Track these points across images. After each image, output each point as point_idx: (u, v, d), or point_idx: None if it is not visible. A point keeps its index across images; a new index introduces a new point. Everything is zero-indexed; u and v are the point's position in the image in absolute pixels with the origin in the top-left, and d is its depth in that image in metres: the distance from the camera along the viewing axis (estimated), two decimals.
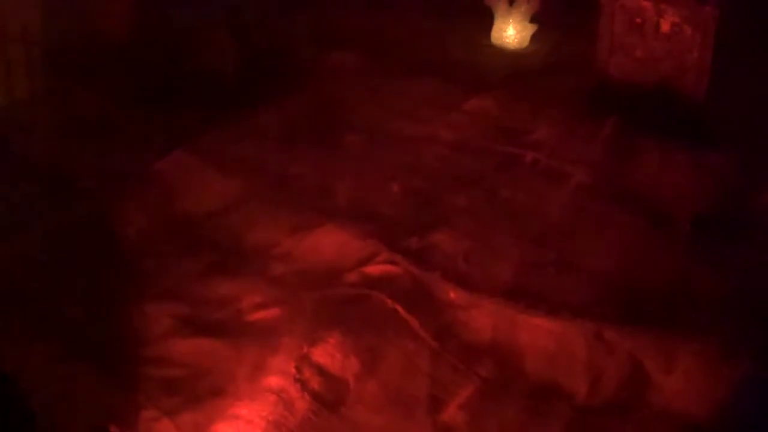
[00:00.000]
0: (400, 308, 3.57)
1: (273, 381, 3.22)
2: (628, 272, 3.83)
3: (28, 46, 5.17)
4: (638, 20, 5.04)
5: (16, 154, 4.61)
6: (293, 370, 3.25)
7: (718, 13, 4.83)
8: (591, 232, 4.06)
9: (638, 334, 3.42)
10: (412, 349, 3.42)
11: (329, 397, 3.20)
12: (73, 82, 5.21)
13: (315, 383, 3.22)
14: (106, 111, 4.98)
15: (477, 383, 3.31)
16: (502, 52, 6.09)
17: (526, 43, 6.16)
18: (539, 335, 3.48)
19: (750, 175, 4.53)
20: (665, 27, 4.98)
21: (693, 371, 3.31)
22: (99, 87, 5.16)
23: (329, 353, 3.33)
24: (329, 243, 4.00)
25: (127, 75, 5.24)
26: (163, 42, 5.43)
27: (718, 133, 4.91)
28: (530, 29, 6.14)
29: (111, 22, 5.54)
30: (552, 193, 4.33)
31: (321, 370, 3.28)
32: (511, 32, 6.12)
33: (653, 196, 4.35)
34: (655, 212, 4.21)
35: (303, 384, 3.20)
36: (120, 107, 4.99)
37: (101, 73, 5.26)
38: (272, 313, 3.59)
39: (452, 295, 3.68)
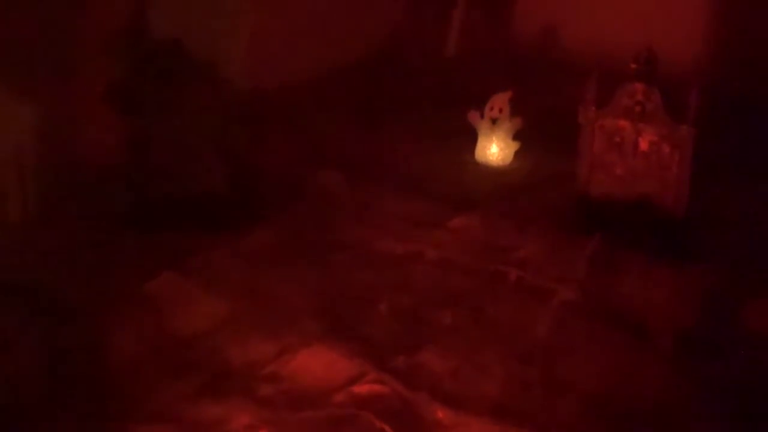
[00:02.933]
0: (388, 428, 3.58)
1: None
2: (614, 390, 3.85)
3: (21, 168, 5.26)
4: (617, 139, 5.18)
5: (3, 276, 4.65)
6: None
7: (695, 132, 4.98)
8: (577, 350, 4.09)
9: None
10: None
11: None
12: (63, 204, 5.28)
13: None
14: (96, 233, 5.03)
15: None
16: (487, 170, 6.23)
17: (509, 160, 6.30)
18: None
19: (731, 291, 4.59)
20: (644, 146, 5.12)
21: None
22: (88, 209, 5.23)
23: None
24: (317, 363, 4.03)
25: (116, 197, 5.31)
26: (153, 163, 5.52)
27: (700, 248, 5.00)
28: (513, 147, 6.29)
29: (100, 144, 5.64)
30: (537, 311, 4.38)
31: None
32: (494, 150, 6.28)
33: (637, 313, 4.40)
34: (639, 329, 4.26)
35: None
36: (109, 229, 5.05)
37: (90, 195, 5.33)
38: None
39: (440, 414, 3.69)
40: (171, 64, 5.51)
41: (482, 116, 6.31)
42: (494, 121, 6.27)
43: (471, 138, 6.35)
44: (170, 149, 5.56)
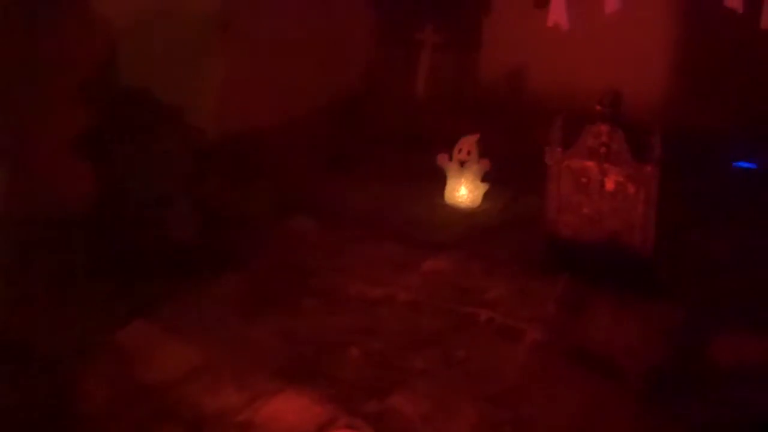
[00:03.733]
0: None
1: None
2: (585, 429, 3.88)
3: None
4: (584, 180, 5.25)
5: None
6: None
7: (659, 171, 5.06)
8: (546, 390, 4.11)
9: None
10: None
11: None
12: (34, 253, 5.27)
13: None
14: (68, 282, 5.03)
15: None
16: (457, 212, 6.29)
17: (478, 201, 6.37)
18: None
19: (698, 327, 4.65)
20: (609, 186, 5.19)
21: None
22: (60, 258, 5.22)
23: None
24: (289, 409, 4.02)
25: (89, 246, 5.31)
26: (125, 212, 5.53)
27: (667, 285, 5.07)
28: (482, 188, 6.37)
29: (71, 194, 5.64)
30: (507, 352, 4.40)
31: None
32: (463, 192, 6.34)
33: (606, 352, 4.43)
34: (608, 368, 4.29)
35: None
36: (81, 278, 5.05)
37: (62, 244, 5.33)
38: None
39: None
40: (141, 113, 5.55)
41: (451, 159, 6.39)
42: (463, 164, 6.35)
43: (440, 180, 6.42)
44: (141, 197, 5.59)
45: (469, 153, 6.35)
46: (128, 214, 5.53)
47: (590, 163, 5.21)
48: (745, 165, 6.68)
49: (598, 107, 5.12)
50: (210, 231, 5.58)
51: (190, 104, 5.96)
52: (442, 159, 6.40)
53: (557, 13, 5.59)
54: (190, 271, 5.13)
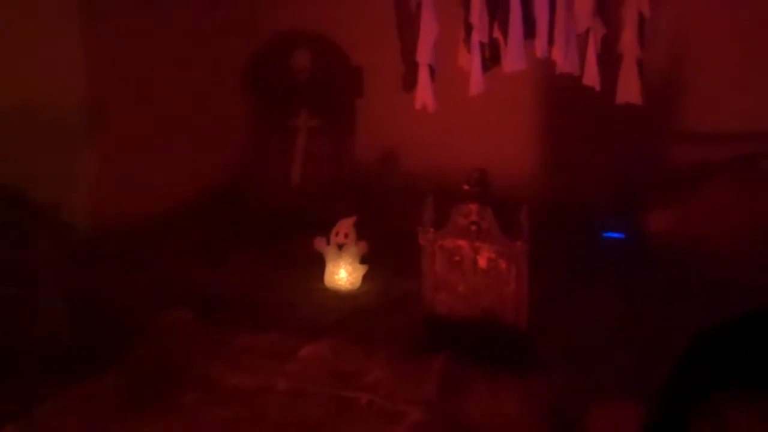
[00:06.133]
0: None
1: None
2: None
3: None
4: (457, 258, 5.36)
5: None
6: None
7: (529, 247, 5.20)
8: None
9: None
10: None
11: None
12: None
13: None
14: None
15: None
16: (336, 295, 6.31)
17: (358, 283, 6.41)
18: None
19: (575, 398, 4.74)
20: (482, 263, 5.30)
21: None
22: None
23: None
24: None
25: None
26: None
27: (543, 358, 5.17)
28: (361, 270, 6.41)
29: None
30: None
31: None
32: (343, 274, 6.37)
33: (487, 428, 4.49)
34: None
35: None
36: None
37: None
38: None
39: None
40: (7, 211, 5.44)
41: (328, 242, 6.42)
42: (341, 247, 6.39)
43: (319, 264, 6.44)
44: (10, 298, 5.44)
45: (346, 236, 6.41)
46: None
47: (462, 242, 5.32)
48: (614, 235, 6.90)
49: (466, 187, 5.25)
50: (85, 327, 5.46)
51: (62, 199, 5.86)
52: (319, 243, 6.43)
53: (424, 96, 5.73)
54: (64, 371, 5.00)
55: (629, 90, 5.52)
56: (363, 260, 6.40)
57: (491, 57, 5.63)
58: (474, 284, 5.33)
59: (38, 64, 6.28)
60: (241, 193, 7.79)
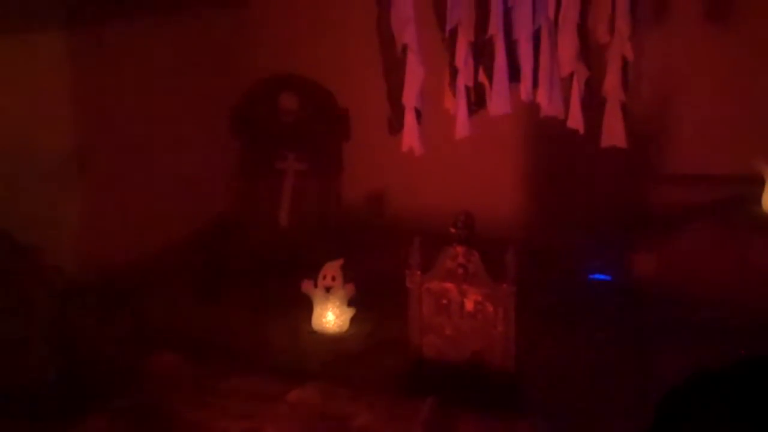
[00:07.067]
0: None
1: None
2: None
3: None
4: (444, 301, 5.36)
5: None
6: None
7: (515, 289, 5.21)
8: None
9: None
10: None
11: None
12: None
13: None
14: None
15: None
16: (324, 338, 6.30)
17: (346, 326, 6.40)
18: None
19: None
20: (469, 306, 5.31)
21: None
22: None
23: None
24: None
25: None
26: None
27: (530, 401, 5.17)
28: (349, 313, 6.41)
29: None
30: None
31: None
32: (330, 317, 6.37)
33: None
34: None
35: None
36: None
37: None
38: None
39: None
40: None
41: (316, 285, 6.42)
42: (328, 290, 6.39)
43: (307, 307, 6.43)
44: None
45: (333, 278, 6.41)
46: None
47: (449, 285, 5.33)
48: (601, 277, 6.93)
49: (453, 230, 5.27)
50: (72, 371, 5.44)
51: (48, 243, 5.86)
52: (306, 286, 6.43)
53: (410, 139, 5.77)
54: (49, 416, 4.97)
55: (614, 133, 5.58)
56: (351, 303, 6.40)
57: (477, 100, 5.70)
58: (461, 327, 5.33)
59: (28, 112, 6.29)
60: (229, 236, 7.79)
